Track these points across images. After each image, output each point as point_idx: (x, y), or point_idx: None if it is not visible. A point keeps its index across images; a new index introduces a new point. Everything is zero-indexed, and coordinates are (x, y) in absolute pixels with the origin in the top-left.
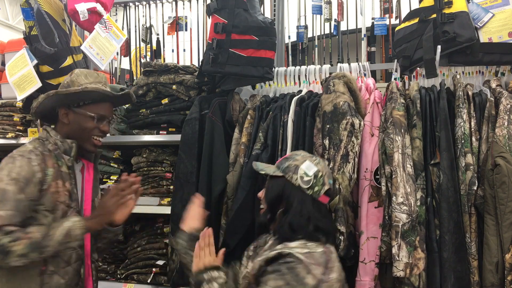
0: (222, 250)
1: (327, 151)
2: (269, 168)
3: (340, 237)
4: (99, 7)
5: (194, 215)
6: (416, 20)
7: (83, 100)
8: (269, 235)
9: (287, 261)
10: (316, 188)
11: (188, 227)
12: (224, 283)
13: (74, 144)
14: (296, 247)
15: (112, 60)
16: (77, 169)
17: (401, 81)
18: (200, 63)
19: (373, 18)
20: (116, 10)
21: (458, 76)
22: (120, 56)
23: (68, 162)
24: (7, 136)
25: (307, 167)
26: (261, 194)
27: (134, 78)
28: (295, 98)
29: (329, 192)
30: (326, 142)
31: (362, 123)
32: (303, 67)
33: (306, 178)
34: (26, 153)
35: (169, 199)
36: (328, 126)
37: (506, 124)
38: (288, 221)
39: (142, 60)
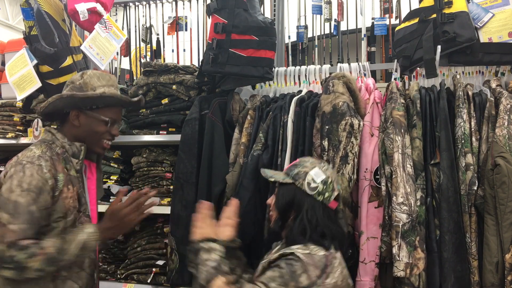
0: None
1: (326, 152)
2: (278, 175)
3: None
4: (99, 7)
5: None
6: (416, 20)
7: (97, 104)
8: (280, 243)
9: (287, 258)
10: (326, 194)
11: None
12: (223, 257)
13: (83, 147)
14: (298, 248)
15: (112, 60)
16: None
17: (401, 81)
18: (200, 63)
19: (373, 18)
20: (116, 10)
21: (458, 76)
22: (120, 56)
23: (76, 166)
24: (7, 136)
25: (315, 174)
26: (270, 201)
27: (134, 78)
28: (295, 98)
29: (338, 198)
30: (325, 143)
31: (361, 123)
32: (303, 67)
33: (313, 185)
34: (35, 160)
35: (169, 199)
36: (327, 127)
37: (506, 124)
38: (298, 227)
39: (142, 60)
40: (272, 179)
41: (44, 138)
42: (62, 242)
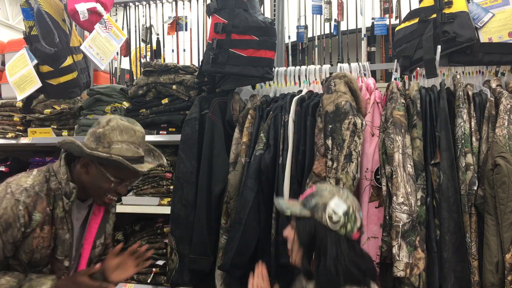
0: None
1: (330, 151)
2: (294, 207)
3: None
4: (99, 7)
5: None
6: (416, 20)
7: (102, 162)
8: (305, 280)
9: None
10: (349, 226)
11: None
12: None
13: (75, 190)
14: None
15: (112, 60)
16: (83, 207)
17: (401, 81)
18: (200, 63)
19: (373, 18)
20: (116, 10)
21: (458, 76)
22: (120, 56)
23: (66, 206)
24: (7, 136)
25: (336, 205)
26: (288, 233)
27: (134, 78)
28: (295, 98)
29: (360, 227)
30: (329, 142)
31: (364, 122)
32: (303, 67)
33: (335, 218)
34: (18, 192)
35: (169, 199)
36: (330, 126)
37: (506, 124)
38: (327, 267)
39: (142, 60)
40: (289, 213)
41: (50, 167)
42: (15, 282)
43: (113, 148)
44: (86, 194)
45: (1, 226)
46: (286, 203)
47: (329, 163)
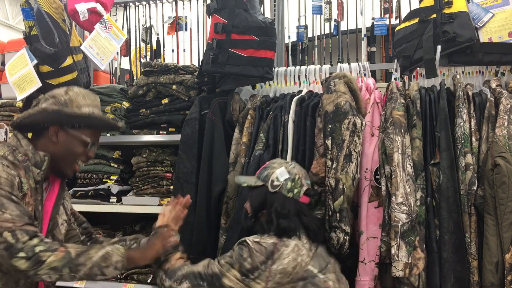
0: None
1: (329, 151)
2: (250, 179)
3: (345, 237)
4: (99, 7)
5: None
6: (416, 20)
7: (81, 124)
8: None
9: (240, 244)
10: (295, 191)
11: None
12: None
13: (47, 157)
14: (252, 237)
15: (112, 60)
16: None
17: (401, 81)
18: (200, 63)
19: (373, 18)
20: (116, 10)
21: (458, 76)
22: (120, 56)
23: (37, 176)
24: None
25: (280, 173)
26: (246, 204)
27: (134, 78)
28: (295, 98)
29: (308, 192)
30: (329, 142)
31: (363, 122)
32: (303, 67)
33: (276, 183)
34: None
35: (169, 199)
36: (330, 126)
37: (506, 124)
38: (264, 220)
39: (142, 60)
40: (245, 184)
41: (9, 142)
42: (83, 247)
43: (83, 110)
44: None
45: (7, 187)
46: (243, 178)
47: (329, 163)
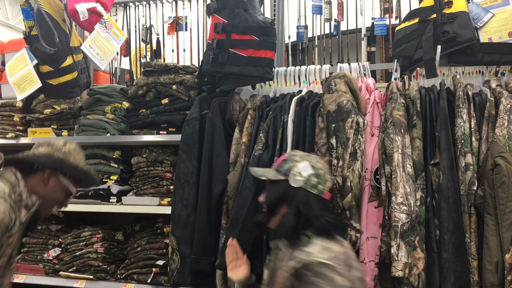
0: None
1: (334, 150)
2: (268, 172)
3: (357, 234)
4: (99, 7)
5: (236, 263)
6: (416, 20)
7: (71, 175)
8: (280, 242)
9: (317, 272)
10: (320, 187)
11: (237, 277)
12: None
13: (38, 202)
14: (316, 252)
15: (112, 60)
16: None
17: (401, 81)
18: (200, 63)
19: (373, 18)
20: (116, 10)
21: (458, 76)
22: (120, 56)
23: (23, 218)
24: (7, 136)
25: (303, 167)
26: (262, 198)
27: (134, 78)
28: (295, 98)
29: (331, 188)
30: (333, 141)
31: (365, 121)
32: (303, 67)
33: (298, 178)
34: (6, 197)
35: (169, 199)
36: (333, 125)
37: (506, 124)
38: (293, 220)
39: (142, 60)
40: (263, 177)
41: (8, 178)
42: None
43: (80, 165)
44: None
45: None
46: (261, 170)
47: (334, 161)
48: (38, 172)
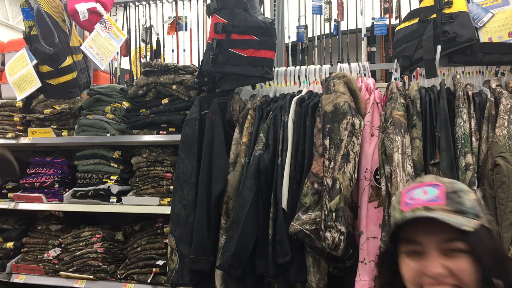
0: None
1: (327, 151)
2: (460, 219)
3: (340, 237)
4: (99, 7)
5: None
6: (416, 20)
7: None
8: None
9: None
10: (488, 217)
11: None
12: None
13: None
14: None
15: (112, 60)
16: None
17: (401, 81)
18: (200, 63)
19: (373, 18)
20: (116, 10)
21: (458, 76)
22: (120, 56)
23: None
24: (7, 136)
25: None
26: (442, 270)
27: (134, 78)
28: (295, 98)
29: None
30: (327, 142)
31: (362, 123)
32: (303, 67)
33: (482, 214)
34: None
35: (169, 199)
36: (328, 126)
37: (506, 124)
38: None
39: (142, 60)
40: (465, 228)
41: None
42: None
43: None
44: None
45: None
46: (449, 217)
47: (326, 162)
48: None
